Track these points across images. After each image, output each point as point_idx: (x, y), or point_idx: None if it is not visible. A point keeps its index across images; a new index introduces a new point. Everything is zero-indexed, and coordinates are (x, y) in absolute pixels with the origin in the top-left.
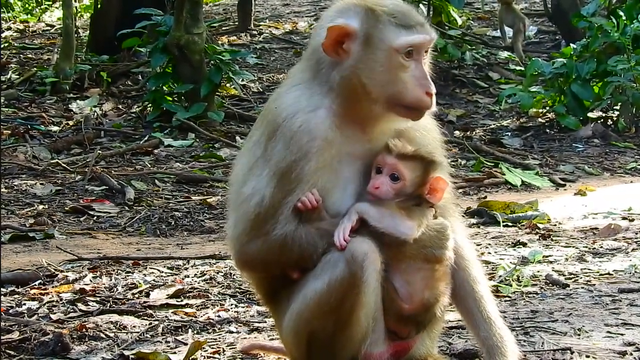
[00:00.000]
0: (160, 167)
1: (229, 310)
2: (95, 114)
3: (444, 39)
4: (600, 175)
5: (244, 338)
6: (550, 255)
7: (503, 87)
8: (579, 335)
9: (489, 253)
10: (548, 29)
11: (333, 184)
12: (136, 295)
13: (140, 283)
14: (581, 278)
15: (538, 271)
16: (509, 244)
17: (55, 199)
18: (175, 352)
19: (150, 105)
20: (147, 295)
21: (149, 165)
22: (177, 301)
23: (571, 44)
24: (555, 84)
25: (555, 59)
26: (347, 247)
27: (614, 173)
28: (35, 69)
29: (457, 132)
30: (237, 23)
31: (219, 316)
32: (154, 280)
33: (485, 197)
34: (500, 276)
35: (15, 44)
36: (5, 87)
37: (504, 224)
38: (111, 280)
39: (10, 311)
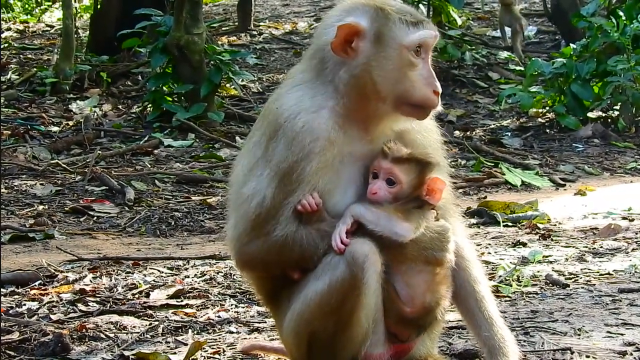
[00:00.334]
0: (160, 167)
1: (229, 310)
2: (95, 114)
3: (444, 39)
4: (600, 175)
5: (244, 338)
6: (550, 255)
7: (503, 87)
8: (579, 335)
9: (489, 253)
10: (548, 29)
11: (334, 184)
12: (136, 296)
13: (140, 283)
14: (581, 278)
15: (538, 271)
16: (509, 244)
17: (55, 199)
18: (175, 353)
19: (150, 105)
20: (147, 295)
21: (149, 166)
22: (177, 301)
23: (571, 44)
24: (555, 84)
25: (555, 59)
26: (348, 249)
27: (613, 173)
28: (35, 69)
29: (457, 132)
30: (237, 23)
31: (219, 316)
32: (154, 280)
33: (485, 197)
34: (500, 276)
35: (15, 45)
36: (5, 88)
37: (504, 224)
38: (111, 280)
39: (10, 311)
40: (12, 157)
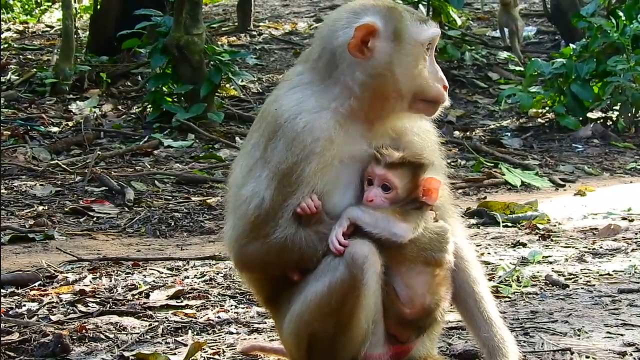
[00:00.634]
0: (160, 167)
1: (228, 311)
2: (95, 114)
3: (444, 39)
4: (600, 176)
5: (244, 339)
6: (550, 256)
7: (502, 87)
8: (578, 335)
9: (489, 253)
10: (547, 29)
11: (333, 186)
12: (136, 296)
13: (140, 284)
14: (581, 278)
15: (538, 272)
16: (508, 245)
17: (55, 200)
18: (175, 353)
19: (150, 106)
20: (147, 296)
21: (149, 166)
22: (177, 302)
23: (571, 44)
24: (554, 84)
25: (555, 59)
26: (347, 250)
27: (613, 173)
28: (34, 69)
29: (456, 133)
30: (236, 24)
31: (218, 317)
32: (153, 281)
33: (485, 197)
34: (500, 277)
35: (15, 45)
36: (4, 88)
37: (504, 224)
38: (111, 281)
39: (10, 312)
40: (12, 157)
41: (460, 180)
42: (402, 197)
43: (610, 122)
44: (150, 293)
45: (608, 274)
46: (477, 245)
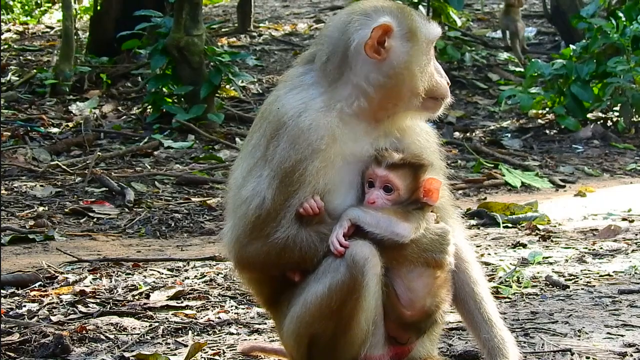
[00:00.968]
0: (160, 168)
1: (229, 311)
2: (95, 115)
3: (444, 40)
4: (600, 177)
5: (244, 340)
6: (550, 257)
7: (503, 88)
8: (579, 336)
9: (489, 254)
10: (547, 30)
11: (336, 185)
12: (136, 297)
13: (140, 285)
14: (581, 279)
15: (538, 272)
16: (508, 245)
17: (55, 200)
18: (175, 354)
19: (150, 106)
20: (147, 296)
21: (149, 167)
22: (177, 303)
23: (571, 45)
24: (555, 85)
25: (555, 60)
26: (348, 251)
27: (613, 174)
28: (34, 70)
29: (456, 134)
30: (236, 25)
31: (219, 318)
32: (154, 282)
33: (485, 198)
34: (500, 277)
35: (15, 46)
36: (5, 89)
37: (504, 225)
38: (111, 282)
39: (11, 313)
40: (12, 158)
41: (460, 181)
42: (404, 198)
43: (611, 123)
44: (150, 294)
45: (608, 274)
46: (478, 246)
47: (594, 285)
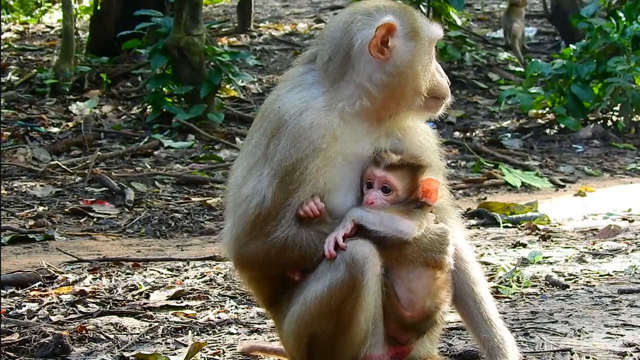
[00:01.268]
0: (160, 168)
1: (229, 311)
2: (95, 115)
3: (444, 40)
4: (600, 176)
5: (244, 339)
6: (550, 256)
7: (503, 88)
8: (579, 336)
9: (489, 254)
10: (547, 30)
11: (336, 185)
12: (136, 297)
13: (140, 284)
14: (581, 279)
15: (538, 272)
16: (508, 245)
17: (55, 200)
18: (175, 354)
19: (150, 106)
20: (147, 296)
21: (149, 167)
22: (177, 303)
23: (571, 45)
24: (555, 85)
25: (555, 60)
26: (348, 251)
27: (613, 174)
28: (35, 70)
29: (457, 133)
30: (236, 24)
31: (219, 317)
32: (154, 281)
33: (485, 198)
34: (500, 277)
35: (15, 46)
36: (5, 89)
37: (504, 225)
38: (111, 281)
39: (10, 313)
40: (12, 158)
41: (460, 181)
42: (402, 198)
43: (611, 123)
44: (150, 293)
45: (608, 274)
46: (477, 246)
47: (594, 285)
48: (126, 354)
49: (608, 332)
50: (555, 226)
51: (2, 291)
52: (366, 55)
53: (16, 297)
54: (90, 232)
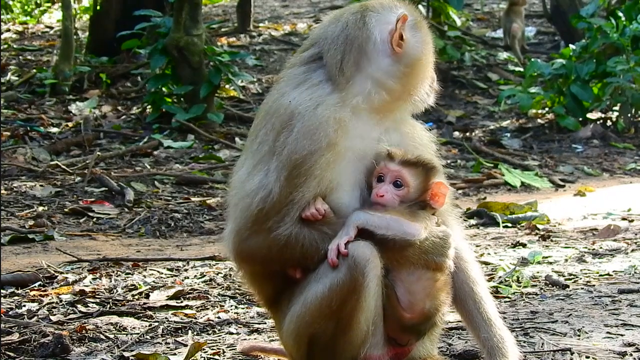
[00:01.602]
0: (160, 168)
1: (228, 311)
2: (95, 115)
3: (444, 40)
4: (600, 176)
5: (244, 339)
6: (549, 256)
7: (502, 88)
8: (578, 336)
9: (489, 254)
10: (547, 30)
11: (341, 183)
12: (136, 297)
13: (140, 284)
14: (581, 279)
15: (538, 272)
16: (508, 245)
17: (54, 200)
18: (175, 354)
19: (149, 106)
20: (147, 296)
21: (149, 167)
22: (177, 302)
23: (570, 45)
24: (554, 84)
25: (555, 60)
26: (349, 252)
27: (613, 174)
28: (34, 70)
29: (456, 133)
30: (236, 24)
31: (218, 317)
32: (153, 281)
33: (485, 198)
34: (500, 277)
35: (15, 46)
36: (4, 89)
37: (504, 224)
38: (111, 281)
39: (10, 313)
40: (12, 158)
41: (460, 181)
42: (412, 197)
43: (610, 123)
44: (150, 293)
45: (608, 274)
46: (477, 246)
47: (594, 285)
48: (126, 354)
49: (608, 332)
50: (555, 226)
51: (2, 291)
52: (384, 49)
53: (16, 297)
54: (90, 232)
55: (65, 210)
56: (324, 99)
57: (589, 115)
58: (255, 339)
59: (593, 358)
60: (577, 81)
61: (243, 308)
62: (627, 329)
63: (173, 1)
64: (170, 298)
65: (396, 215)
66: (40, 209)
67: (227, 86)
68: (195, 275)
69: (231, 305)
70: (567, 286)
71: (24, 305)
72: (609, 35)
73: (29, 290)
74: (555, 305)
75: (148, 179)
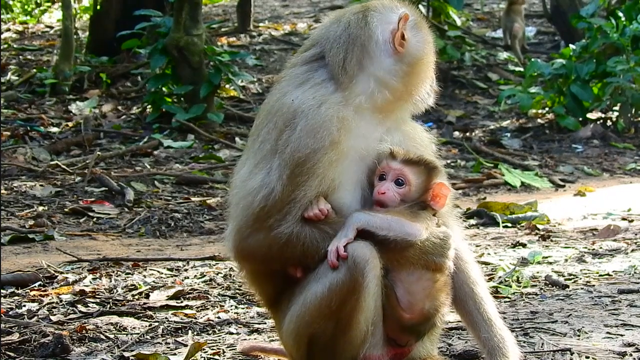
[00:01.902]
0: (160, 168)
1: (228, 311)
2: (95, 115)
3: (444, 39)
4: (600, 176)
5: (244, 339)
6: (549, 256)
7: (502, 88)
8: (578, 336)
9: (489, 254)
10: (547, 30)
11: (343, 182)
12: (136, 297)
13: (140, 284)
14: (581, 279)
15: (538, 272)
16: (508, 245)
17: (54, 200)
18: (175, 354)
19: (149, 106)
20: (147, 296)
21: (149, 167)
22: (177, 302)
23: (570, 45)
24: (554, 84)
25: (555, 60)
26: (349, 252)
27: (613, 174)
28: (34, 70)
29: (456, 133)
30: (236, 24)
31: (218, 317)
32: (153, 281)
33: (485, 198)
34: (500, 277)
35: (15, 46)
36: (4, 89)
37: (504, 225)
38: (111, 281)
39: (10, 313)
40: (12, 158)
41: (460, 181)
42: (413, 196)
43: (610, 123)
44: (150, 293)
45: (608, 274)
46: (477, 246)
47: (594, 285)
48: (126, 354)
49: (608, 332)
50: (554, 226)
51: (2, 291)
52: (386, 48)
53: (16, 297)
54: (90, 232)
55: (65, 210)
56: (327, 97)
57: (589, 115)
58: (255, 339)
59: (593, 358)
60: (577, 81)
61: (243, 308)
62: (627, 329)
63: (173, 1)
64: (170, 298)
65: (397, 215)
66: (40, 208)
67: (227, 86)
68: (195, 275)
69: (231, 305)
70: (567, 286)
71: (24, 305)
72: (609, 35)
73: (29, 290)
74: (555, 305)
75: (148, 178)
